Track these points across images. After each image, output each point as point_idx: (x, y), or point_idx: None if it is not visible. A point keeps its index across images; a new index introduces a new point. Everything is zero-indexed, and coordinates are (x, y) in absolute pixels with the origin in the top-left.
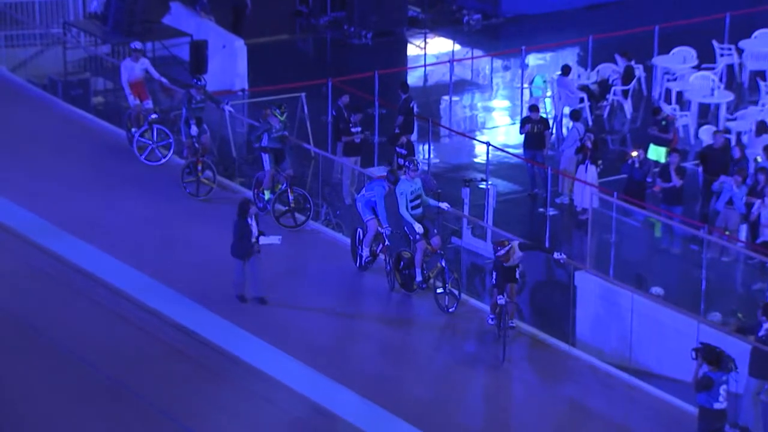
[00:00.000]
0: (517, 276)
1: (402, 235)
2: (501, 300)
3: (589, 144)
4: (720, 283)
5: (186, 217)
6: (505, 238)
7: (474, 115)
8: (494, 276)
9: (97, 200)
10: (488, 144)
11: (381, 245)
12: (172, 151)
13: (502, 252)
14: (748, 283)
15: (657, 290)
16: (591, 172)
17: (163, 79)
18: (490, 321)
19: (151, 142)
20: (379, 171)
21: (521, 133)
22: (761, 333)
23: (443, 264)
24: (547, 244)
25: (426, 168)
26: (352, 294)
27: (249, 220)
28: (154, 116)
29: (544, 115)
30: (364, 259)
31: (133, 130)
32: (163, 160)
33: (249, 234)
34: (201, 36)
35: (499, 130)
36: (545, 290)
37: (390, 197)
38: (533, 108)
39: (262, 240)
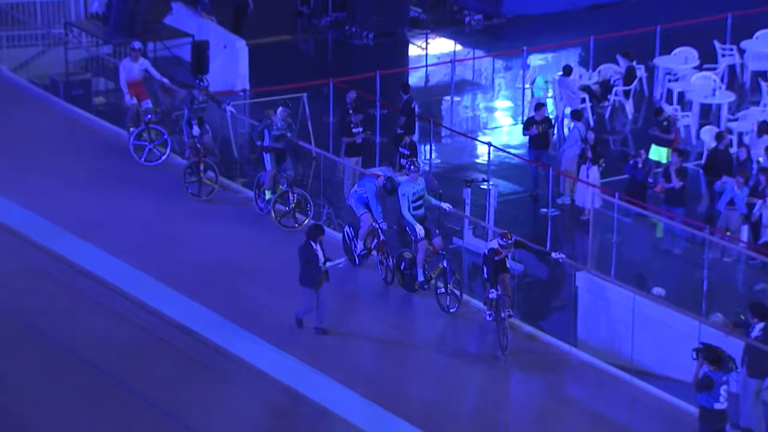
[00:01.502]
0: (508, 265)
1: (397, 231)
2: (493, 294)
3: (589, 154)
4: (721, 283)
5: (187, 216)
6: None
7: (475, 115)
8: (485, 270)
9: (98, 200)
10: (489, 144)
11: (375, 241)
12: (169, 149)
13: (506, 243)
14: (750, 284)
15: (658, 291)
16: (593, 173)
17: (164, 80)
18: (487, 317)
19: (147, 143)
20: (379, 171)
21: (526, 134)
22: (754, 333)
23: (445, 264)
24: (548, 245)
25: (427, 168)
26: (352, 293)
27: (314, 245)
28: (149, 117)
29: (546, 115)
30: (358, 252)
31: (131, 129)
32: (163, 158)
33: (315, 259)
34: (202, 36)
35: (500, 131)
36: (546, 290)
37: (387, 195)
38: (538, 106)
39: (328, 264)
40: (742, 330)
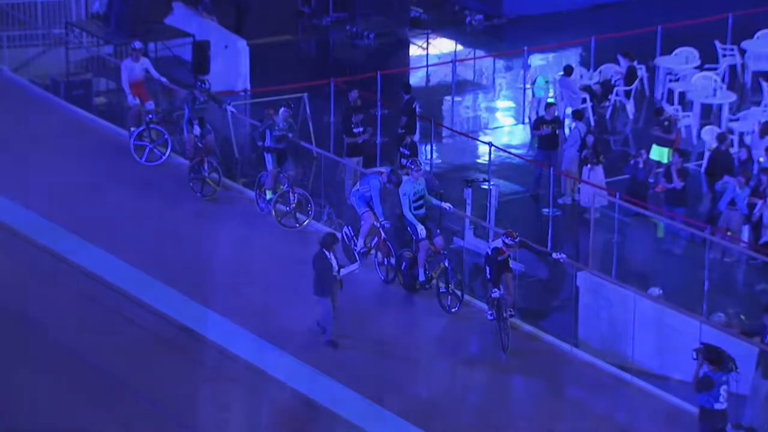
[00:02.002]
0: (511, 265)
1: (399, 229)
2: (496, 293)
3: (594, 158)
4: (722, 283)
5: (188, 216)
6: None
7: (476, 115)
8: (488, 270)
9: (99, 200)
10: (490, 144)
11: (375, 239)
12: (170, 149)
13: (512, 242)
14: (751, 284)
15: (655, 290)
16: (597, 173)
17: (163, 79)
18: (489, 316)
19: (148, 143)
20: (382, 170)
21: (536, 134)
22: None
23: (446, 264)
24: (549, 245)
25: (428, 168)
26: (353, 293)
27: (328, 253)
28: (150, 117)
29: (557, 115)
30: (358, 249)
31: (132, 129)
32: (163, 158)
33: (329, 268)
34: (203, 36)
35: (501, 131)
36: (547, 290)
37: (389, 194)
38: (548, 105)
39: (343, 272)
40: (750, 334)
